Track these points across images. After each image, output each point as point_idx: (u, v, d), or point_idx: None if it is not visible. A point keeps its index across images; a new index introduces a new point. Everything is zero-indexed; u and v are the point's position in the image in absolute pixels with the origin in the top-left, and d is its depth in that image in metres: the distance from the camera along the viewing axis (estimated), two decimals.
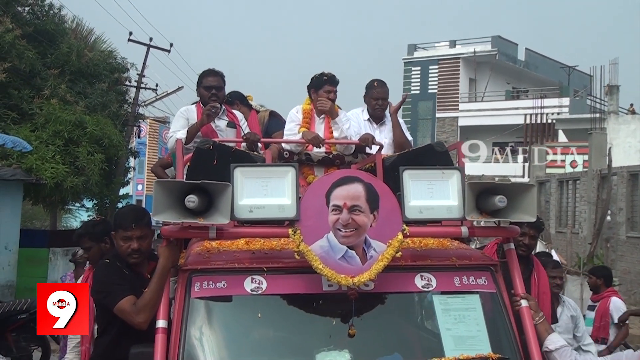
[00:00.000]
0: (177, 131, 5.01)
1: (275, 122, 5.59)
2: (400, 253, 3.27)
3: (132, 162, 21.74)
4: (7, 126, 13.11)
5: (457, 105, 39.22)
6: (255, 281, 3.33)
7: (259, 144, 4.86)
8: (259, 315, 3.37)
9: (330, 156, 5.03)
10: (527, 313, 3.45)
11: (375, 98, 5.34)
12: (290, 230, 3.22)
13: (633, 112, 28.46)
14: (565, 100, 35.94)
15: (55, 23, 15.55)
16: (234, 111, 5.41)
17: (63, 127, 13.31)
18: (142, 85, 21.28)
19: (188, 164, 4.00)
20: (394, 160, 3.97)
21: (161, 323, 3.24)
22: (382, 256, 3.24)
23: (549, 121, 32.93)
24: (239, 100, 5.94)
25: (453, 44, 40.88)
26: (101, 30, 18.36)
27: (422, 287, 3.44)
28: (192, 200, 3.07)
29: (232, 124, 5.23)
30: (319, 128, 5.14)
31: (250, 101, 6.08)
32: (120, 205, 16.87)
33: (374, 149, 4.87)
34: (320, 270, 3.19)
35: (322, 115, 5.15)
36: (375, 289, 3.33)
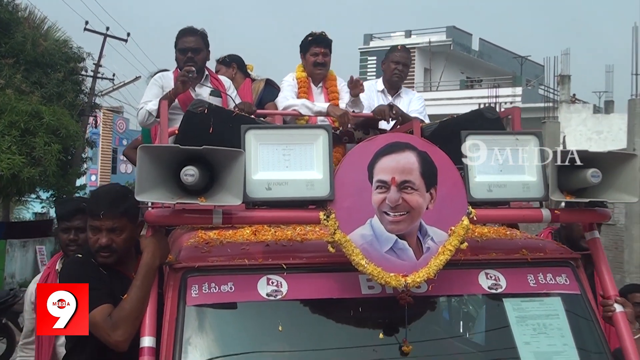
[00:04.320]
0: (149, 102, 4.11)
1: (270, 91, 4.79)
2: (465, 244, 2.49)
3: (88, 152, 21.08)
4: None
5: None
6: (273, 283, 2.52)
7: (253, 117, 4.04)
8: (280, 328, 2.51)
9: (337, 132, 4.21)
10: (624, 321, 2.68)
11: (396, 62, 4.66)
12: (321, 214, 2.42)
13: (574, 102, 28.90)
14: (519, 90, 36.23)
15: (9, 12, 15.05)
16: (220, 77, 4.55)
17: (19, 118, 12.87)
18: (99, 75, 20.89)
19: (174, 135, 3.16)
20: (435, 129, 3.20)
21: (147, 341, 2.39)
22: (444, 248, 2.46)
23: (503, 110, 33.15)
24: (237, 64, 5.17)
25: (408, 34, 40.88)
26: (55, 19, 17.51)
27: (489, 287, 2.67)
28: (190, 173, 2.23)
29: (217, 92, 4.33)
30: (319, 99, 4.46)
31: (249, 71, 5.29)
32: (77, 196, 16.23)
33: (391, 123, 4.15)
34: (363, 267, 2.39)
35: (320, 85, 4.50)
36: (431, 292, 2.54)
